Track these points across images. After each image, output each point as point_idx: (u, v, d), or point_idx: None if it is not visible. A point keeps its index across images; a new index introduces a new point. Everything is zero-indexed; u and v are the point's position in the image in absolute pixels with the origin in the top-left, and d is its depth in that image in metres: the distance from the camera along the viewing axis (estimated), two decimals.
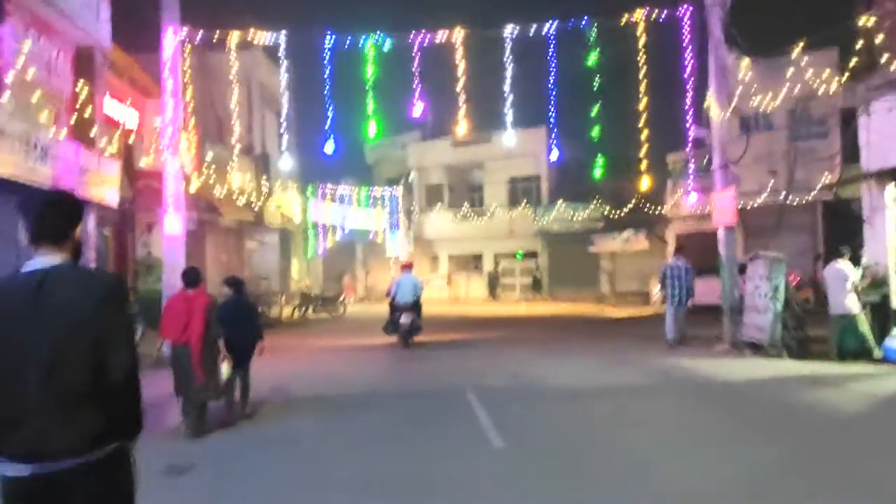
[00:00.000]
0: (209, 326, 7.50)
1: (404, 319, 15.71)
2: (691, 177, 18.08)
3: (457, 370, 12.19)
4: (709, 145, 15.37)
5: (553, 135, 14.91)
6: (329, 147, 14.21)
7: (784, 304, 12.44)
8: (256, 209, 23.76)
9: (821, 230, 30.63)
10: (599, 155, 17.44)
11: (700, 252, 32.98)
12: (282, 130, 18.84)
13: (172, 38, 14.10)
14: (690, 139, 15.54)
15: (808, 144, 29.59)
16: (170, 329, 7.57)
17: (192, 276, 7.81)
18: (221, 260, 22.80)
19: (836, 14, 13.96)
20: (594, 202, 34.32)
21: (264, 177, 25.13)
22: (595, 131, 16.84)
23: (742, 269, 14.45)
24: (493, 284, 36.89)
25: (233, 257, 24.54)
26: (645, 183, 19.66)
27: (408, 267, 17.59)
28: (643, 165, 23.47)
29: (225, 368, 7.85)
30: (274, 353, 15.01)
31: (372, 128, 14.08)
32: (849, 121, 28.40)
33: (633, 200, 33.68)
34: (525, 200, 37.08)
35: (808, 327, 12.77)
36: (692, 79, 14.25)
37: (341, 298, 27.70)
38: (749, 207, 30.95)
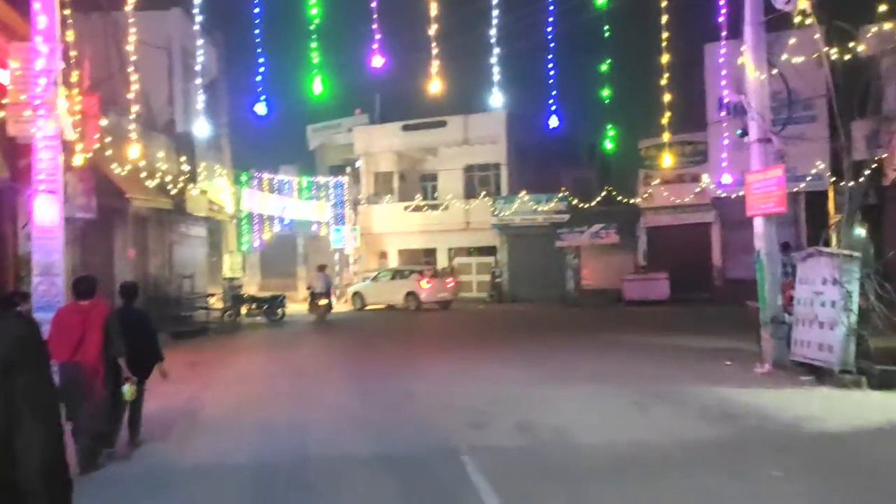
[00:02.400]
0: (109, 343, 6.56)
1: (322, 301, 24.08)
2: (725, 153, 15.07)
3: (439, 410, 8.94)
4: (742, 114, 12.40)
5: (552, 98, 11.65)
6: (260, 108, 10.77)
7: (859, 315, 9.57)
8: (176, 194, 19.94)
9: (804, 222, 28.37)
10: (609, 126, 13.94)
11: (677, 248, 30.63)
12: (198, 82, 14.98)
13: None
14: (724, 105, 12.59)
15: (796, 129, 27.21)
16: (60, 347, 6.35)
17: (87, 286, 6.80)
18: (134, 256, 18.96)
19: None
20: (559, 193, 31.40)
21: (185, 158, 21.31)
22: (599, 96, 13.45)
23: (785, 271, 11.60)
24: None
25: (149, 253, 20.68)
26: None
27: (322, 268, 25.85)
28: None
29: (129, 391, 6.80)
30: (189, 373, 11.60)
31: (317, 84, 10.68)
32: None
33: (603, 191, 31.02)
34: (483, 191, 33.97)
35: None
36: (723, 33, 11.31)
37: (279, 300, 24.12)
38: (728, 197, 28.63)
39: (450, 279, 29.88)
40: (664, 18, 12.62)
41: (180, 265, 22.58)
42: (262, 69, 10.82)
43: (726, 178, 15.16)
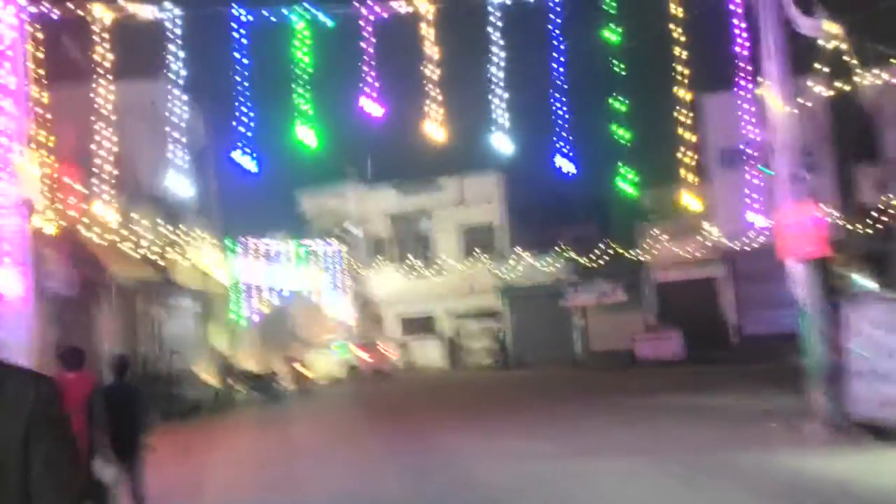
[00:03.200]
0: (94, 419, 6.16)
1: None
2: (751, 192, 14.17)
3: (459, 492, 7.71)
4: (765, 149, 11.56)
5: (562, 142, 10.75)
6: (249, 164, 9.83)
7: None
8: (164, 265, 18.91)
9: None
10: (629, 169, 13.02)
11: (687, 305, 29.52)
12: (176, 136, 14.16)
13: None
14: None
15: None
16: None
17: (74, 358, 6.53)
18: (117, 332, 17.78)
19: None
20: (562, 251, 30.46)
21: (172, 227, 20.35)
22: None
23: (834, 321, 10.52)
24: (455, 351, 32.34)
25: (136, 328, 19.52)
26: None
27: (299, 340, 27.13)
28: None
29: (109, 473, 6.28)
30: (182, 458, 10.33)
31: (308, 135, 9.80)
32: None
33: (606, 247, 30.12)
34: (481, 252, 32.99)
35: None
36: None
37: (277, 376, 22.86)
38: (740, 248, 27.75)
39: (387, 349, 30.31)
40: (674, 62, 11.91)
41: (170, 340, 21.38)
42: (245, 119, 9.88)
43: (757, 221, 14.07)
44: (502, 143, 10.13)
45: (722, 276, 28.22)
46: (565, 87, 12.21)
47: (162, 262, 18.78)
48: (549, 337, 30.06)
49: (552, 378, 23.91)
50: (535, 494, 7.29)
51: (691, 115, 25.54)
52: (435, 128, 9.93)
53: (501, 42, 10.54)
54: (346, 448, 11.37)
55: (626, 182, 12.43)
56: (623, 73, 12.26)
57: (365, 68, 9.98)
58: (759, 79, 10.72)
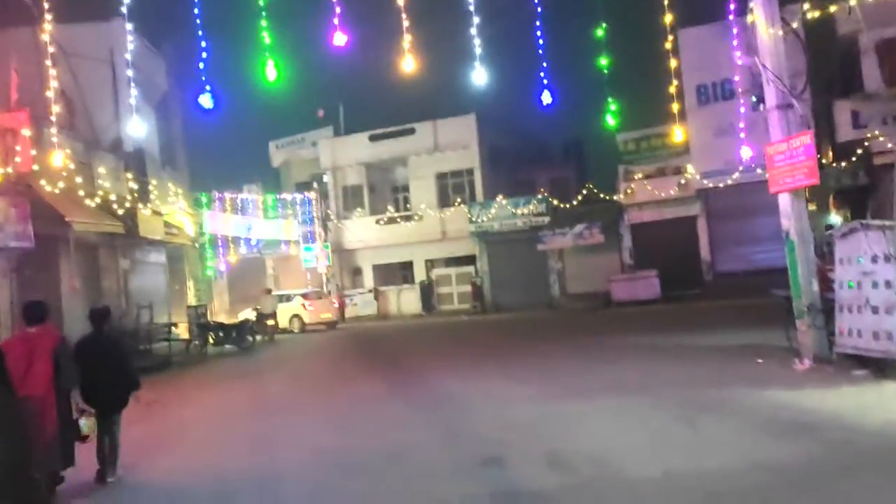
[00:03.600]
0: (59, 372, 6.03)
1: (270, 321, 24.37)
2: (742, 124, 13.71)
3: (444, 443, 7.37)
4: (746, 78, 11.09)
5: (543, 72, 10.13)
6: (206, 100, 9.17)
7: None
8: (127, 216, 18.16)
9: None
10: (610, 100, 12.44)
11: (663, 245, 29.39)
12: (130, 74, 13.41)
13: None
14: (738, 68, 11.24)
15: None
16: None
17: (35, 311, 6.34)
18: (77, 287, 17.13)
19: None
20: (538, 195, 30.03)
21: (135, 178, 19.54)
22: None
23: (819, 253, 10.27)
24: (428, 296, 32.07)
25: (101, 282, 18.87)
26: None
27: (269, 291, 27.99)
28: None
29: (86, 424, 6.28)
30: (143, 415, 9.87)
31: (270, 69, 9.13)
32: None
33: (582, 190, 29.76)
34: (457, 199, 32.52)
35: None
36: None
37: (249, 325, 22.38)
38: (713, 188, 27.49)
39: (335, 300, 30.21)
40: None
41: (138, 294, 20.76)
42: (204, 54, 9.17)
43: (745, 153, 13.61)
44: (478, 76, 9.53)
45: (697, 215, 28.00)
46: (540, 20, 11.62)
47: (125, 214, 17.99)
48: (526, 281, 29.90)
49: (530, 321, 23.73)
50: (530, 439, 6.94)
51: (668, 49, 24.96)
52: (407, 60, 9.29)
53: None
54: (315, 402, 10.98)
55: (610, 114, 11.88)
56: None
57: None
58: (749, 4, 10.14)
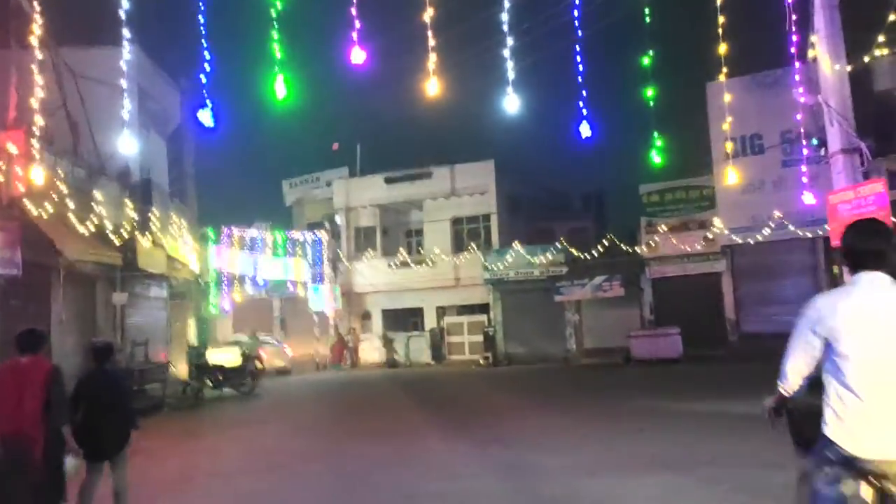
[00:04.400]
0: (52, 406, 5.59)
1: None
2: (804, 167, 12.71)
3: None
4: (818, 117, 10.10)
5: (581, 103, 9.18)
6: (205, 117, 8.24)
7: None
8: (127, 248, 17.24)
9: (823, 270, 26.08)
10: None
11: (686, 301, 28.20)
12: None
13: None
14: (800, 109, 10.27)
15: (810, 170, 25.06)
16: None
17: (30, 339, 5.88)
18: (72, 319, 16.14)
19: None
20: (556, 244, 29.01)
21: (138, 207, 18.69)
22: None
23: None
24: (438, 344, 30.86)
25: (92, 316, 17.88)
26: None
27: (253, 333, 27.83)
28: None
29: (70, 465, 5.74)
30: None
31: (280, 87, 8.21)
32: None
33: (601, 242, 28.75)
34: (473, 245, 31.57)
35: None
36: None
37: (251, 368, 21.24)
38: (739, 244, 26.40)
39: (286, 347, 29.94)
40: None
41: (135, 331, 19.71)
42: (207, 66, 8.28)
43: (808, 199, 12.51)
44: (510, 103, 8.58)
45: (722, 272, 26.86)
46: (576, 55, 10.72)
47: (124, 245, 17.07)
48: (541, 333, 28.72)
49: (546, 376, 22.49)
50: None
51: (701, 102, 24.07)
52: (432, 82, 8.36)
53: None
54: (316, 460, 9.83)
55: (656, 150, 10.91)
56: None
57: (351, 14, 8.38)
58: (811, 39, 9.21)
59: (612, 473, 7.60)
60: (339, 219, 34.04)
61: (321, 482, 8.25)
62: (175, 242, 21.88)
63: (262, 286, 29.68)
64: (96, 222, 16.13)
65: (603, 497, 6.68)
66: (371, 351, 31.35)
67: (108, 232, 16.48)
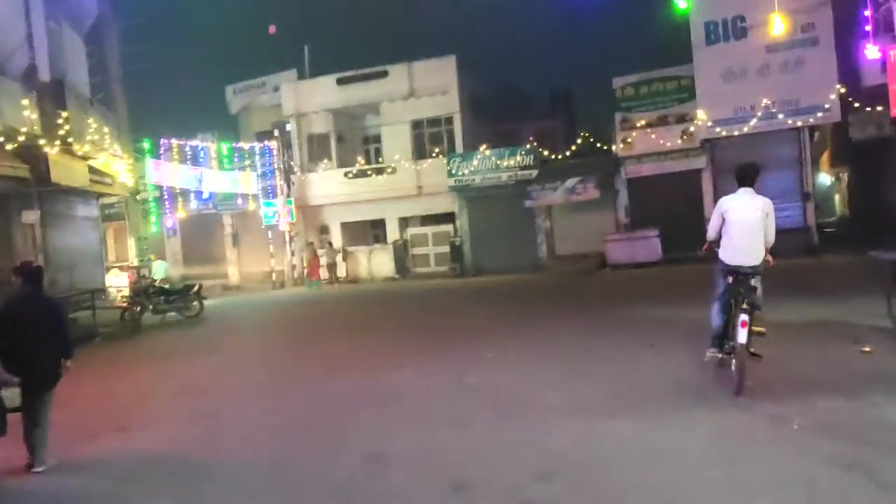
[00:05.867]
0: None
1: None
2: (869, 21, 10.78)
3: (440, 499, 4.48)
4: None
5: None
6: None
7: None
8: (34, 159, 14.83)
9: (809, 163, 24.57)
10: None
11: (661, 202, 26.65)
12: None
13: None
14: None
15: (792, 54, 23.13)
16: None
17: None
18: None
19: None
20: (526, 145, 27.02)
21: (53, 114, 16.15)
22: None
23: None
24: (402, 258, 29.10)
25: (8, 239, 15.63)
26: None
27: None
28: None
29: (9, 395, 5.60)
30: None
31: None
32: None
33: (574, 143, 26.89)
34: (436, 150, 29.41)
35: None
36: None
37: (195, 289, 19.30)
38: (720, 138, 24.71)
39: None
40: None
41: (61, 253, 17.51)
42: None
43: (872, 52, 10.63)
44: None
45: (702, 168, 25.23)
46: None
47: (31, 155, 14.67)
48: (511, 241, 27.08)
49: (519, 286, 20.97)
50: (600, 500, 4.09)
51: None
52: None
53: None
54: (254, 396, 8.09)
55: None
56: None
57: None
58: None
59: (629, 413, 5.93)
60: (289, 126, 31.44)
61: (261, 434, 6.50)
62: (101, 155, 19.39)
63: (207, 200, 27.36)
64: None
65: (642, 450, 5.01)
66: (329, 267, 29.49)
67: (8, 140, 14.03)
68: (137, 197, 23.12)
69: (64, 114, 16.53)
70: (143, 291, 18.70)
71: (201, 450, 6.18)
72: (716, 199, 25.16)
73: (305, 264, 28.77)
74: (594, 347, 9.34)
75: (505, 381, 7.74)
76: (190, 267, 30.68)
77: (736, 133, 23.35)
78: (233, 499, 4.88)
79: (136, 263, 22.18)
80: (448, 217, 28.96)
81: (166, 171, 24.84)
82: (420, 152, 29.87)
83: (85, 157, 17.68)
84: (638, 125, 25.43)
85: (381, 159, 30.69)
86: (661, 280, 19.27)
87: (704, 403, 5.96)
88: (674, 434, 5.28)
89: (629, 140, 25.30)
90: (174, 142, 25.65)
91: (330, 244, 29.55)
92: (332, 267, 28.62)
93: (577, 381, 7.39)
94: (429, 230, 29.65)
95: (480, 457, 5.21)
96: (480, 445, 5.48)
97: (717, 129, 23.71)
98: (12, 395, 5.66)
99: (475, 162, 27.29)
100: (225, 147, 28.68)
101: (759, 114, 23.09)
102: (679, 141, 24.75)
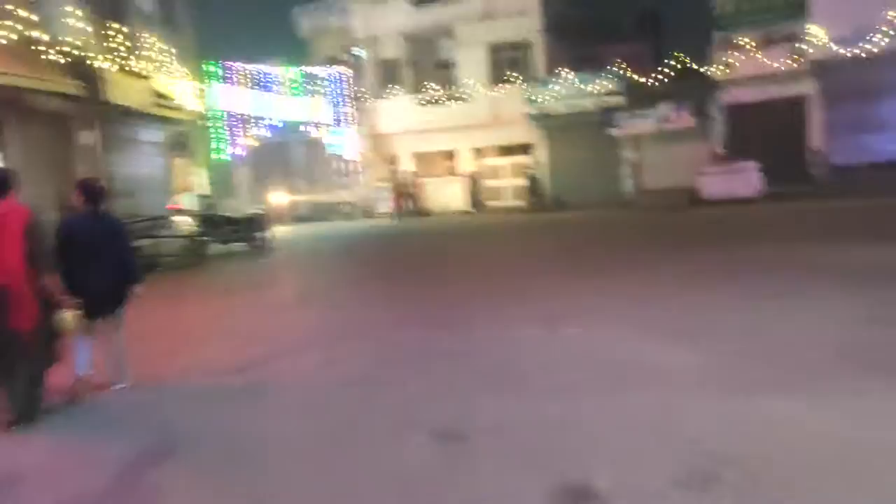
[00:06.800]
0: (34, 255, 4.91)
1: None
2: None
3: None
4: None
5: None
6: None
7: None
8: (88, 76, 13.91)
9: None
10: None
11: (762, 133, 24.24)
12: None
13: None
14: None
15: None
16: None
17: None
18: (39, 165, 13.19)
19: None
20: (613, 68, 24.84)
21: (103, 27, 15.11)
22: None
23: None
24: (475, 191, 27.64)
25: (66, 162, 14.92)
26: None
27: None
28: None
29: (69, 319, 5.14)
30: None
31: None
32: None
33: (663, 65, 24.55)
34: (513, 76, 27.49)
35: None
36: None
37: (265, 220, 18.43)
38: (835, 60, 21.97)
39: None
40: None
41: (123, 179, 16.81)
42: None
43: None
44: None
45: (809, 94, 22.66)
46: None
47: (85, 71, 13.73)
48: (593, 174, 25.27)
49: (609, 223, 19.31)
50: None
51: None
52: None
53: None
54: (322, 348, 6.94)
55: None
56: None
57: None
58: None
59: (805, 387, 4.47)
60: (359, 51, 29.95)
61: (310, 396, 5.33)
62: (164, 76, 18.45)
63: (277, 128, 26.35)
64: (44, 40, 12.72)
65: (836, 444, 3.59)
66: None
67: (58, 53, 13.09)
68: (204, 123, 22.26)
69: (123, 28, 15.53)
70: (209, 220, 17.91)
71: (231, 425, 5.06)
72: (826, 129, 23.09)
73: (392, 194, 27.55)
74: (717, 294, 7.82)
75: (609, 334, 6.36)
76: (259, 197, 30.04)
77: (857, 54, 20.64)
78: (261, 489, 3.72)
79: (200, 192, 21.45)
80: (525, 148, 27.24)
81: (234, 97, 23.85)
82: (497, 78, 28.02)
83: (146, 77, 16.74)
84: (740, 44, 22.90)
85: (454, 86, 28.99)
86: (769, 217, 17.34)
87: (868, 371, 4.48)
88: (864, 421, 3.84)
89: (731, 61, 22.85)
90: (243, 66, 24.56)
91: (415, 174, 28.22)
92: (407, 198, 27.48)
93: (706, 338, 5.93)
94: (505, 161, 28.04)
95: (597, 444, 3.89)
96: (593, 426, 4.16)
97: (835, 48, 21.04)
98: (72, 319, 5.20)
99: (556, 88, 25.35)
100: (295, 72, 27.47)
101: (887, 31, 20.32)
102: (784, 65, 22.17)
